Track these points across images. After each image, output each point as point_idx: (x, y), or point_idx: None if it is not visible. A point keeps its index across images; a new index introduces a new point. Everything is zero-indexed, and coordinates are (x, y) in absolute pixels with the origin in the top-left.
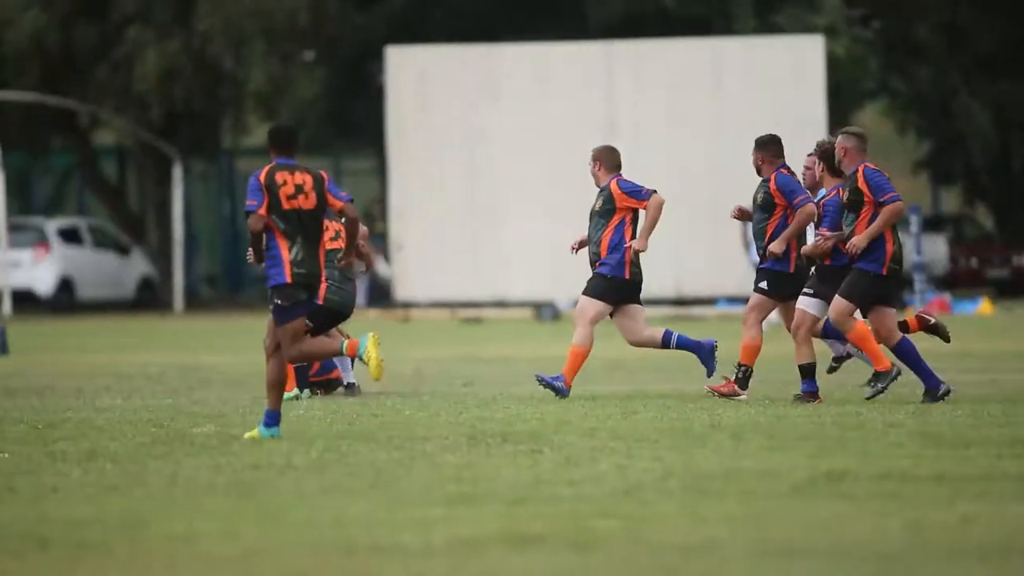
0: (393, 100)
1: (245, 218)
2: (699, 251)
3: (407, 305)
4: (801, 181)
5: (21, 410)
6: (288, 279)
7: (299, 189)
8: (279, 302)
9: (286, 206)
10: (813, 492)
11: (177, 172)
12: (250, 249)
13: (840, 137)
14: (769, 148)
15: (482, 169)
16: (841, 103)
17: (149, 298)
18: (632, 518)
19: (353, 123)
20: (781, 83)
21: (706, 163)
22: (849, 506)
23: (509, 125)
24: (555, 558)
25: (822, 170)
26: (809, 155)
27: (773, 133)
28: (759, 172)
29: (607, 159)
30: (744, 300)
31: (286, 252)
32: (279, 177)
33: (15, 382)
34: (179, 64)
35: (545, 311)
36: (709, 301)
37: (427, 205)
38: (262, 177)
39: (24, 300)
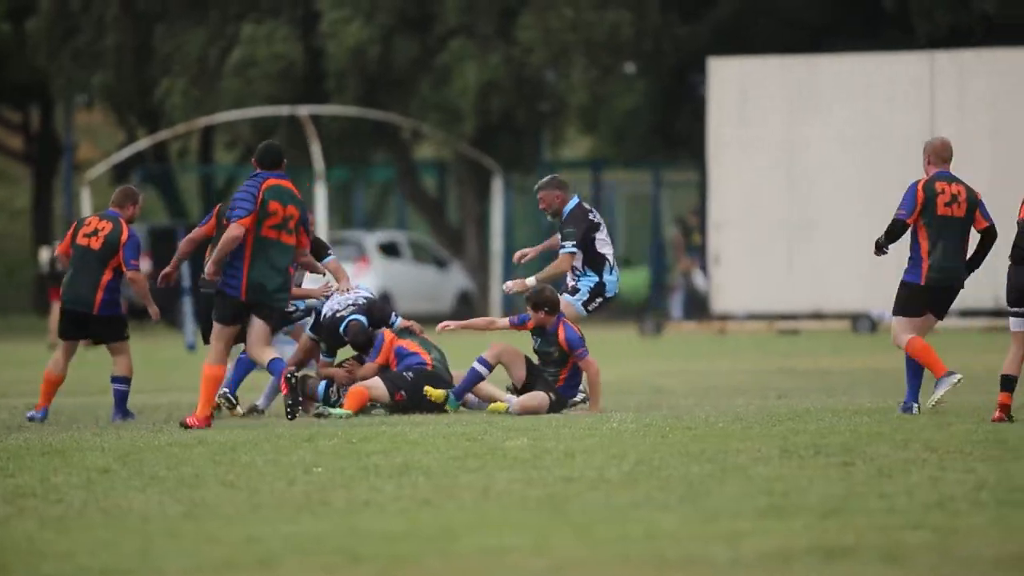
0: (715, 112)
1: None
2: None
3: (724, 317)
4: None
5: (335, 424)
6: None
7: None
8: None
9: None
10: None
11: (497, 185)
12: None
13: None
14: None
15: (800, 180)
16: None
17: (467, 312)
18: (943, 531)
19: (674, 135)
20: None
21: None
22: None
23: (828, 136)
24: (865, 570)
25: None
26: None
27: None
28: None
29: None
30: None
31: None
32: None
33: None
34: (498, 77)
35: (862, 323)
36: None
37: (745, 217)
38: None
39: None
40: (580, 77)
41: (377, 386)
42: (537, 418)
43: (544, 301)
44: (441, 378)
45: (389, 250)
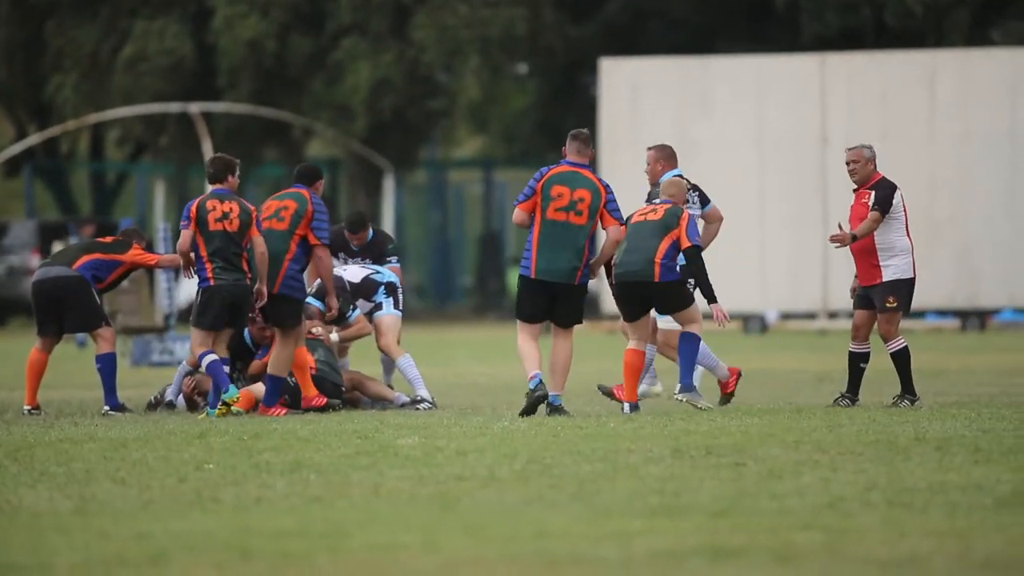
0: (606, 112)
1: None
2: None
3: (617, 317)
4: None
5: (227, 421)
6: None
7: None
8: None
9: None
10: (1018, 506)
11: (388, 183)
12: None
13: None
14: None
15: (692, 181)
16: None
17: None
18: (834, 531)
19: (564, 135)
20: (996, 95)
21: (919, 175)
22: None
23: (720, 137)
24: (755, 571)
25: None
26: None
27: None
28: None
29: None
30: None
31: None
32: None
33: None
34: (391, 75)
35: (753, 323)
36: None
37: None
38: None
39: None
40: (473, 75)
41: (260, 390)
42: (429, 416)
43: None
44: (326, 379)
45: None
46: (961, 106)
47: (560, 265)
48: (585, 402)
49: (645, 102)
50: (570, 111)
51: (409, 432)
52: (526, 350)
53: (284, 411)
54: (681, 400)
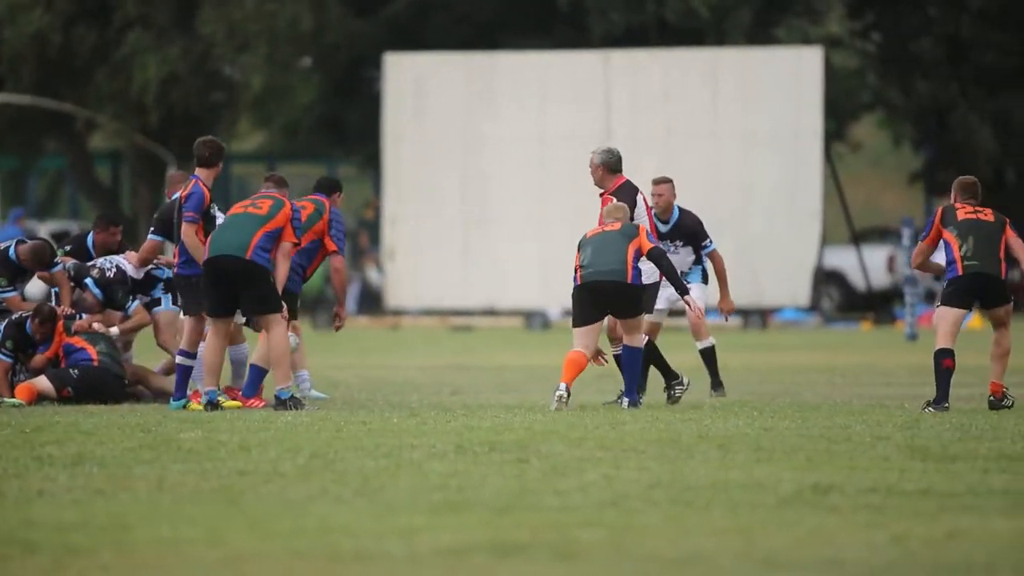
0: (390, 107)
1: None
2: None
3: (397, 313)
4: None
5: (9, 414)
6: None
7: None
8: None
9: None
10: (799, 505)
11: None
12: None
13: None
14: None
15: (477, 177)
16: (838, 114)
17: None
18: (617, 528)
19: (348, 129)
20: (779, 93)
21: (703, 173)
22: (835, 519)
23: (505, 134)
24: (539, 567)
25: None
26: None
27: None
28: None
29: None
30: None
31: None
32: None
33: None
34: (179, 69)
35: (535, 320)
36: None
37: (420, 213)
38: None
39: None
40: (258, 69)
41: (43, 383)
42: (212, 410)
43: None
44: (109, 372)
45: (58, 240)
46: (743, 104)
47: None
48: (368, 397)
49: (430, 97)
50: (354, 106)
51: (192, 426)
52: None
53: (262, 403)
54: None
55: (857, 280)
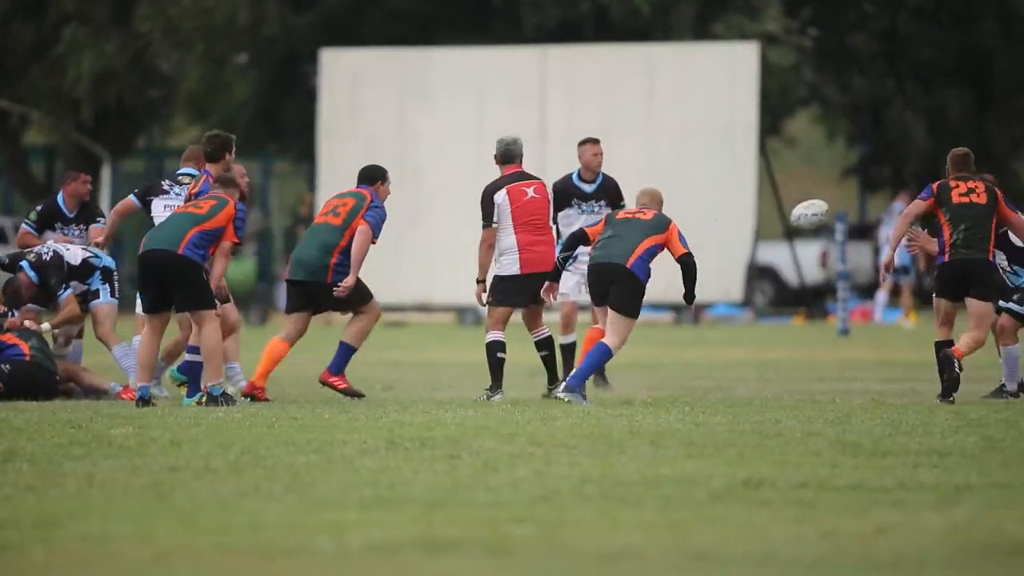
0: (326, 102)
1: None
2: None
3: None
4: None
5: None
6: None
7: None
8: None
9: None
10: (730, 500)
11: (105, 172)
12: None
13: None
14: None
15: (411, 173)
16: (773, 109)
17: None
18: (549, 524)
19: (284, 124)
20: (714, 89)
21: (639, 169)
22: (766, 514)
23: (440, 130)
24: (470, 563)
25: None
26: None
27: None
28: None
29: None
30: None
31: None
32: None
33: None
34: (115, 65)
35: (467, 316)
36: None
37: None
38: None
39: None
40: (197, 65)
41: None
42: (143, 407)
43: None
44: (41, 368)
45: None
46: (680, 100)
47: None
48: (300, 393)
49: (366, 93)
50: (290, 101)
51: (123, 422)
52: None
53: (346, 383)
54: (564, 399)
55: (790, 275)
